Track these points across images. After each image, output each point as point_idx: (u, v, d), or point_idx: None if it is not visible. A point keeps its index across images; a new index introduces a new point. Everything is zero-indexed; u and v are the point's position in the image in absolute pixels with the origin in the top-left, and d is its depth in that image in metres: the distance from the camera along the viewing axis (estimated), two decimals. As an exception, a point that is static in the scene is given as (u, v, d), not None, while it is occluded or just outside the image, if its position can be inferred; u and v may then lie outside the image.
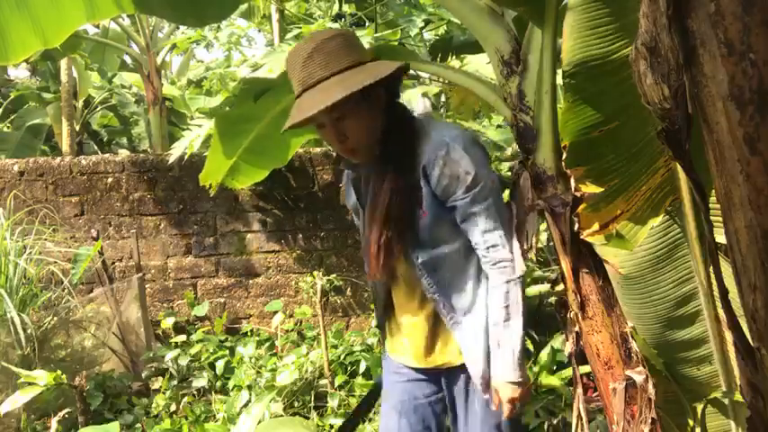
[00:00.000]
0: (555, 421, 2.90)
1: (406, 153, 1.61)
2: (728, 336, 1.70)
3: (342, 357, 3.88)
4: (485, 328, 1.64)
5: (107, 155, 4.87)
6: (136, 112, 7.97)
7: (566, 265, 1.60)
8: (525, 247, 1.68)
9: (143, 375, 3.90)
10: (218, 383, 3.85)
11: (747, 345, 0.90)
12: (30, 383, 2.71)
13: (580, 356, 1.66)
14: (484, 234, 1.59)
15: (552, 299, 3.35)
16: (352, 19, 4.68)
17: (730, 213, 0.84)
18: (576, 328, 1.63)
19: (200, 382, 3.82)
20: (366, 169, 1.71)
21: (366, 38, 3.81)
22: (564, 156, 1.59)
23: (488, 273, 1.63)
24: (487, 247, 1.60)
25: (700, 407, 1.81)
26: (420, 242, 1.64)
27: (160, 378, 3.89)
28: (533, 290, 3.48)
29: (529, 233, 1.69)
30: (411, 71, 1.95)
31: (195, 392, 3.80)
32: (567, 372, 2.98)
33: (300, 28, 4.46)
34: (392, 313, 1.83)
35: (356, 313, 4.53)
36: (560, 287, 1.69)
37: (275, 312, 4.33)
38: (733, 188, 0.82)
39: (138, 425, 3.40)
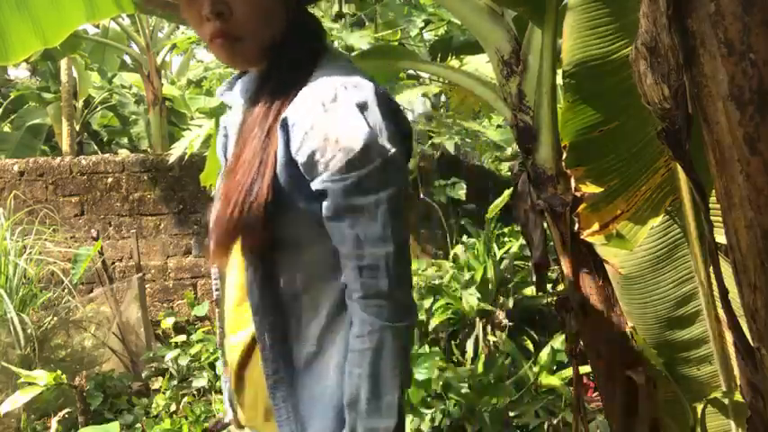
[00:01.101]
0: (555, 421, 2.89)
1: (297, 76, 1.04)
2: (728, 336, 1.70)
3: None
4: (333, 403, 1.02)
5: (107, 155, 4.87)
6: (136, 112, 7.97)
7: (566, 265, 1.60)
8: (536, 254, 1.65)
9: (143, 375, 3.90)
10: (218, 383, 3.85)
11: (747, 345, 0.90)
12: (30, 383, 2.71)
13: (580, 356, 1.66)
14: (361, 246, 0.96)
15: (552, 299, 3.35)
16: (352, 19, 4.68)
17: (730, 213, 0.84)
18: (576, 328, 1.63)
19: (200, 382, 3.82)
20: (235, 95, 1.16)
21: (366, 38, 3.81)
22: (564, 156, 1.59)
23: (353, 311, 0.99)
24: (361, 268, 0.97)
25: (700, 407, 1.81)
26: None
27: (160, 378, 3.89)
28: (533, 289, 3.48)
29: (533, 237, 1.69)
30: (411, 71, 1.91)
31: (195, 392, 3.80)
32: (567, 372, 2.98)
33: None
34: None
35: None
36: (560, 287, 1.69)
37: (275, 312, 4.33)
38: (733, 188, 0.82)
39: (138, 425, 3.40)
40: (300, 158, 0.98)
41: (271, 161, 0.99)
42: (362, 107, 0.98)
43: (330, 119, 0.97)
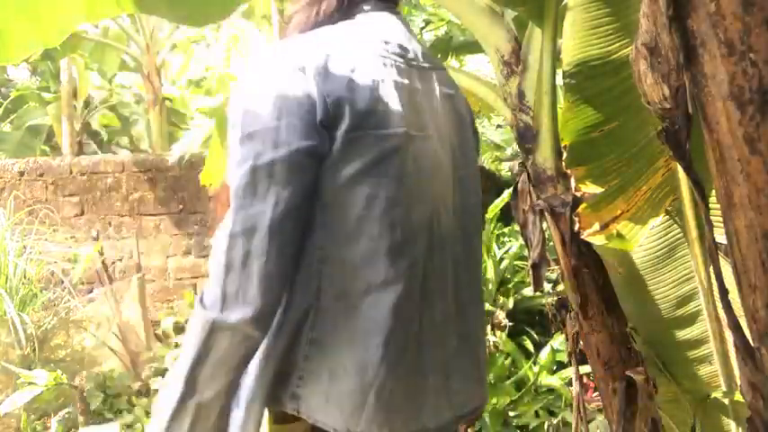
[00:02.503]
0: (555, 421, 2.89)
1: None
2: (728, 336, 1.70)
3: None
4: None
5: (107, 155, 4.87)
6: (136, 112, 7.97)
7: (566, 265, 1.60)
8: (534, 254, 1.64)
9: (143, 375, 3.89)
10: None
11: (747, 345, 0.90)
12: (30, 383, 2.71)
13: (580, 356, 1.66)
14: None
15: (552, 299, 3.35)
16: (352, 19, 4.68)
17: (730, 213, 0.84)
18: (576, 328, 1.63)
19: (200, 382, 3.81)
20: None
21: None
22: (564, 156, 1.59)
23: None
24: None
25: (700, 407, 1.81)
26: None
27: (160, 378, 3.89)
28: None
29: (532, 237, 1.69)
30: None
31: (195, 392, 3.80)
32: (567, 372, 2.98)
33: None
34: None
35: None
36: (560, 287, 1.69)
37: (275, 312, 4.33)
38: (733, 188, 0.82)
39: (139, 425, 3.40)
40: None
41: None
42: (252, 88, 0.94)
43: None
